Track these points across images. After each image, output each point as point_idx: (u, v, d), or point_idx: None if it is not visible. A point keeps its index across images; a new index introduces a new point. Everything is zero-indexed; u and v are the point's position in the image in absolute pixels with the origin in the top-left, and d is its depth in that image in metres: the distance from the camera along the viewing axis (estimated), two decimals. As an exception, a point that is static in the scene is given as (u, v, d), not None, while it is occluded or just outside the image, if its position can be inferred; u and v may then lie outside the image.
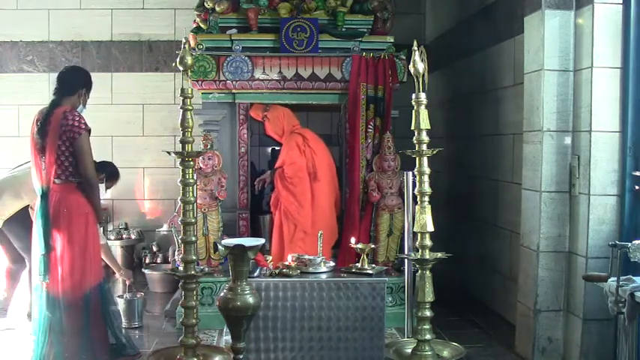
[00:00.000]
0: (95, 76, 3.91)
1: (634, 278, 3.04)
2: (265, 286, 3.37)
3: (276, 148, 5.46)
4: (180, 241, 3.39)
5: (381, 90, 4.88)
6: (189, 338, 2.84)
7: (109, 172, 4.87)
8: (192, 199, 2.86)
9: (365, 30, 5.06)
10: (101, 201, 3.83)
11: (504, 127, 4.81)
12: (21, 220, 4.29)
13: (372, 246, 3.87)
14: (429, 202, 2.89)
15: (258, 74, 4.92)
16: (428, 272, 2.90)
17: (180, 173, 2.86)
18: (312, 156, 4.89)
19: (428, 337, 2.86)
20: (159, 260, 6.16)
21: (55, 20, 6.78)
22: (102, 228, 5.40)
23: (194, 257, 2.86)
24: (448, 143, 5.90)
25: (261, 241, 2.99)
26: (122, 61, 6.83)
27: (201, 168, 4.72)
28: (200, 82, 4.90)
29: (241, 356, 2.93)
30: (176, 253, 4.87)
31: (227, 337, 3.75)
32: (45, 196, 3.54)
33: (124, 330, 3.96)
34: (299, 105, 5.12)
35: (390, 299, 4.59)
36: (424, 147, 2.88)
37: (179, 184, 2.87)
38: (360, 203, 4.89)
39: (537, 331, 3.88)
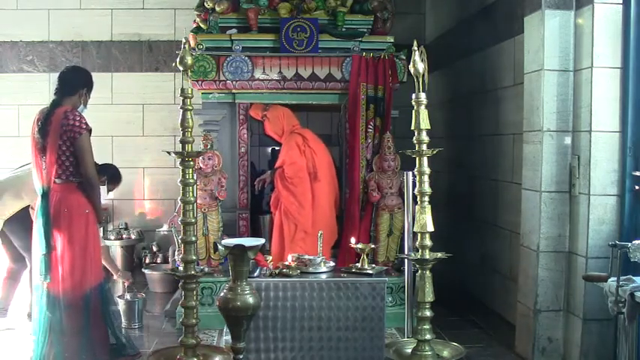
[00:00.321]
0: (95, 76, 3.92)
1: (634, 278, 3.03)
2: (265, 286, 3.36)
3: (276, 148, 5.45)
4: (180, 241, 3.39)
5: (381, 90, 4.88)
6: (189, 338, 2.84)
7: (110, 175, 4.86)
8: (192, 199, 2.86)
9: (365, 30, 5.06)
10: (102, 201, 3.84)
11: (504, 127, 4.80)
12: (21, 219, 4.29)
13: (372, 246, 3.87)
14: (429, 202, 2.89)
15: (258, 74, 4.92)
16: (428, 272, 2.90)
17: (180, 173, 2.86)
18: (312, 156, 4.89)
19: (428, 337, 2.87)
20: (159, 260, 6.16)
21: (55, 20, 6.77)
22: (101, 228, 5.40)
23: (194, 257, 2.86)
24: (448, 143, 5.90)
25: (261, 241, 2.99)
26: (122, 61, 6.83)
27: (201, 168, 4.71)
28: (200, 82, 4.90)
29: (241, 356, 2.93)
30: (176, 253, 4.87)
31: (227, 337, 3.75)
32: (45, 195, 3.55)
33: (124, 330, 3.96)
34: (299, 105, 5.12)
35: (390, 299, 4.59)
36: (424, 147, 2.88)
37: (179, 184, 2.87)
38: (360, 203, 4.88)
39: (537, 331, 3.87)
